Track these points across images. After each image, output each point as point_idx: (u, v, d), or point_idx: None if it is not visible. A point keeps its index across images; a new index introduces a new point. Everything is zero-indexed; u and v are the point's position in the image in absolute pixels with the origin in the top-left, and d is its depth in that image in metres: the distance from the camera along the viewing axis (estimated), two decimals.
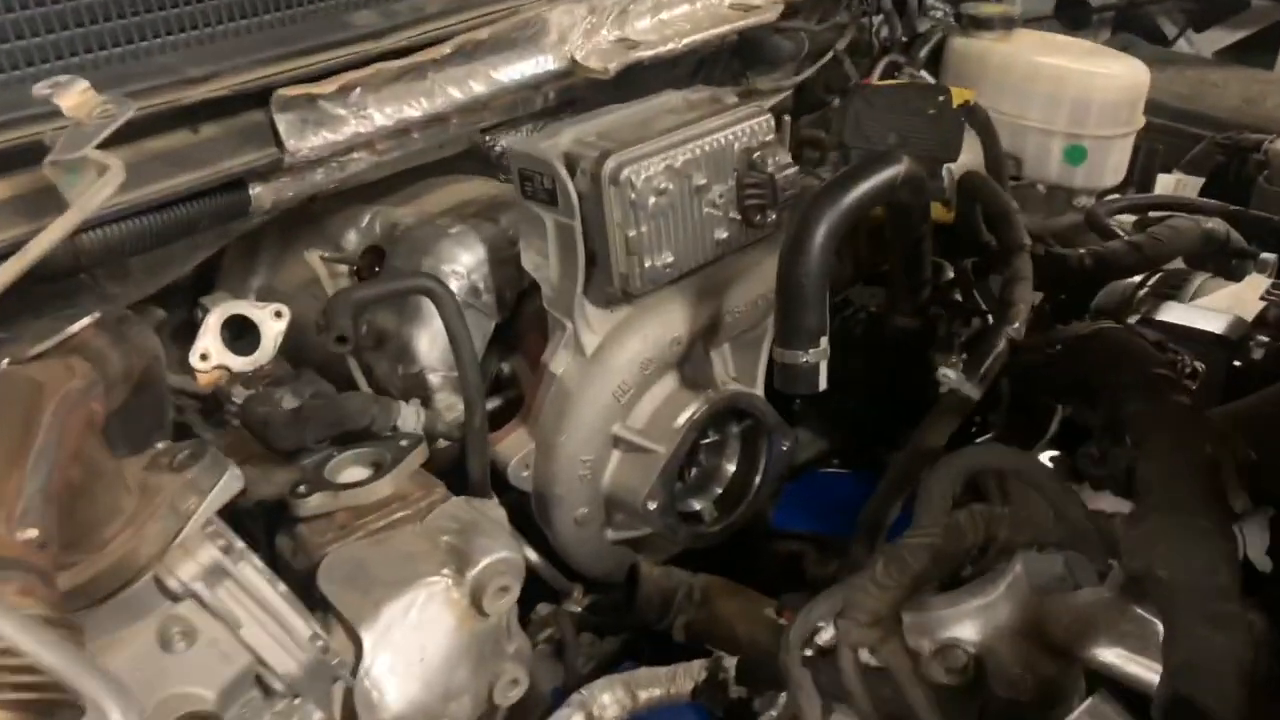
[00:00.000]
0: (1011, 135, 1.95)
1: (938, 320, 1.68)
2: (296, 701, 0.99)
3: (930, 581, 1.11)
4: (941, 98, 1.75)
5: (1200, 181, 2.25)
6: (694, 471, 1.57)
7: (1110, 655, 1.06)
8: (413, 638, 1.09)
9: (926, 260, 1.66)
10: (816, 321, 1.33)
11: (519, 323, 1.51)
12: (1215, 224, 1.80)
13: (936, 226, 1.66)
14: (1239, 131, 2.26)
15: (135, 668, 0.91)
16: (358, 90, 1.33)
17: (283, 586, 1.00)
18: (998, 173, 1.86)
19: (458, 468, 1.36)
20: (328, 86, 1.30)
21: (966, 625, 1.10)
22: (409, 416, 1.32)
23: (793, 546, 1.62)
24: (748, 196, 1.41)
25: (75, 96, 1.04)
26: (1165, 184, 2.27)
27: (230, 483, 0.97)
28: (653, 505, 1.45)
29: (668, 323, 1.44)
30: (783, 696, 1.23)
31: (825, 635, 1.11)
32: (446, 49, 1.39)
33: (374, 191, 1.55)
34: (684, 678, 1.31)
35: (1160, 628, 1.00)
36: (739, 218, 1.43)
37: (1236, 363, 1.47)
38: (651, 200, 1.32)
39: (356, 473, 1.23)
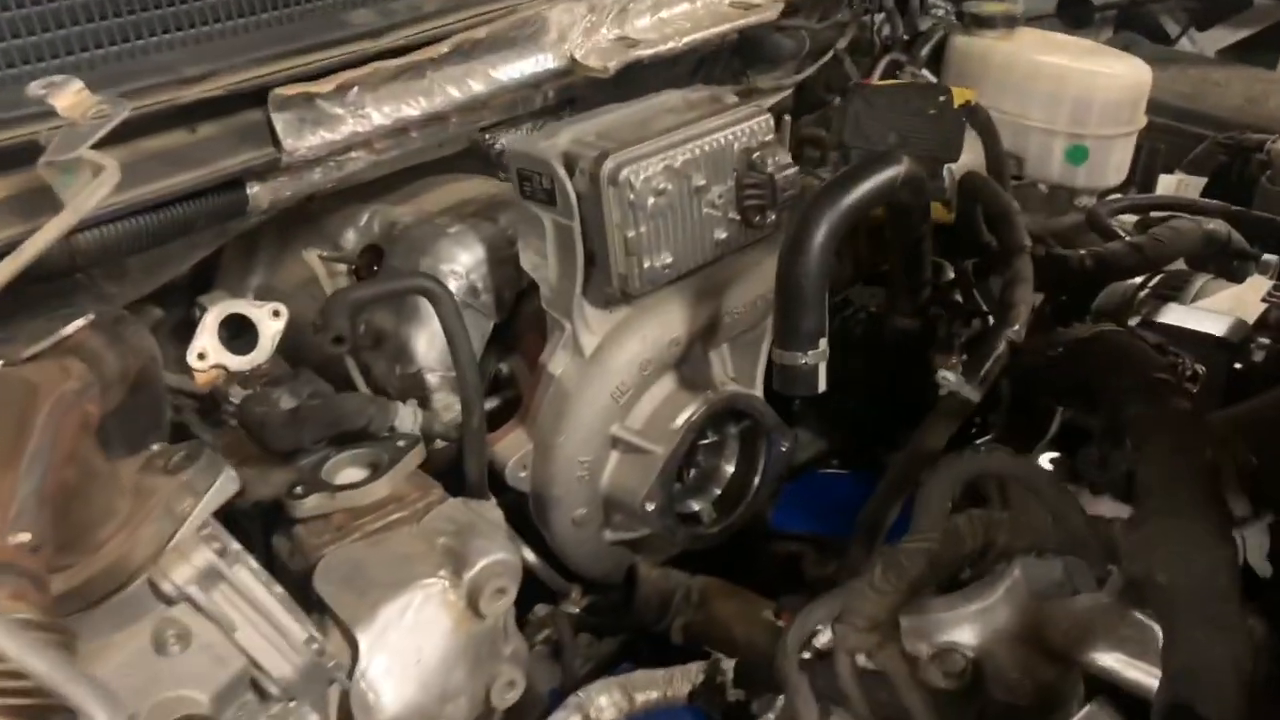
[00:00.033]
0: (1013, 135, 1.94)
1: (938, 321, 1.67)
2: (292, 705, 0.99)
3: (928, 586, 1.11)
4: (942, 97, 1.74)
5: (1202, 182, 2.24)
6: (692, 472, 1.57)
7: (1109, 660, 1.06)
8: (409, 640, 1.09)
9: (927, 261, 1.65)
10: (816, 323, 1.32)
11: (517, 323, 1.51)
12: (1217, 225, 1.79)
13: (937, 227, 1.66)
14: (1241, 131, 2.25)
15: (129, 671, 0.91)
16: (355, 89, 1.32)
17: (278, 589, 1.00)
18: (999, 173, 1.86)
19: (455, 468, 1.36)
20: (325, 85, 1.30)
21: (965, 629, 1.10)
22: (406, 417, 1.32)
23: (791, 547, 1.61)
24: (747, 197, 1.41)
25: (70, 97, 1.03)
26: (1167, 184, 2.27)
27: (226, 485, 0.97)
28: (651, 506, 1.44)
29: (666, 323, 1.44)
30: (780, 700, 1.22)
31: (823, 638, 1.11)
32: (445, 48, 1.39)
33: (372, 190, 1.55)
34: (681, 680, 1.31)
35: (1159, 633, 1.00)
36: (738, 218, 1.42)
37: (1237, 365, 1.47)
38: (650, 200, 1.31)
39: (353, 473, 1.23)
